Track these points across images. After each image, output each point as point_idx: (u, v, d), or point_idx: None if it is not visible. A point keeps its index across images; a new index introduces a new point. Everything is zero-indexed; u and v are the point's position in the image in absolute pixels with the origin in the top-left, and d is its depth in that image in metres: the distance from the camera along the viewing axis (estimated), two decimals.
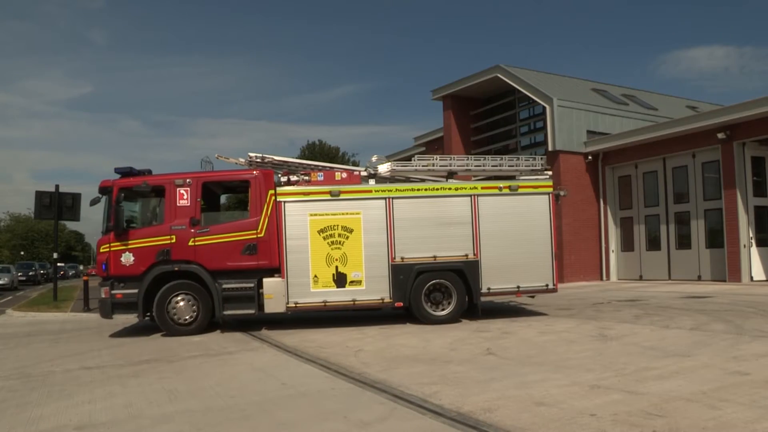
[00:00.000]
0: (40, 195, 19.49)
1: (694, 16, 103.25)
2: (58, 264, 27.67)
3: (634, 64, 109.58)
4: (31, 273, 46.64)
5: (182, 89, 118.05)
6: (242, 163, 12.89)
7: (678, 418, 5.07)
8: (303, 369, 8.12)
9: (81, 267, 77.79)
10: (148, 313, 11.75)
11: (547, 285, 12.49)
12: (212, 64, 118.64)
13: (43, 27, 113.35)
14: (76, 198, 19.88)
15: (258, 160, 12.78)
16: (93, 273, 25.66)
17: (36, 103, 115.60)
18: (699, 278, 22.31)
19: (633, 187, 25.11)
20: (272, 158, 12.91)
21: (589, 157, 25.43)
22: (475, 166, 13.08)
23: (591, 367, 7.35)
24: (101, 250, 11.72)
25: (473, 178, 13.73)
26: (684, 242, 23.19)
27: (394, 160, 13.20)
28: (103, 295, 11.65)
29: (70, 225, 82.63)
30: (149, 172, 12.36)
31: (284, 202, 11.85)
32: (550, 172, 13.22)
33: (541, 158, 13.32)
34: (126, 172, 11.95)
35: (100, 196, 11.87)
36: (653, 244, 24.35)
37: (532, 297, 13.13)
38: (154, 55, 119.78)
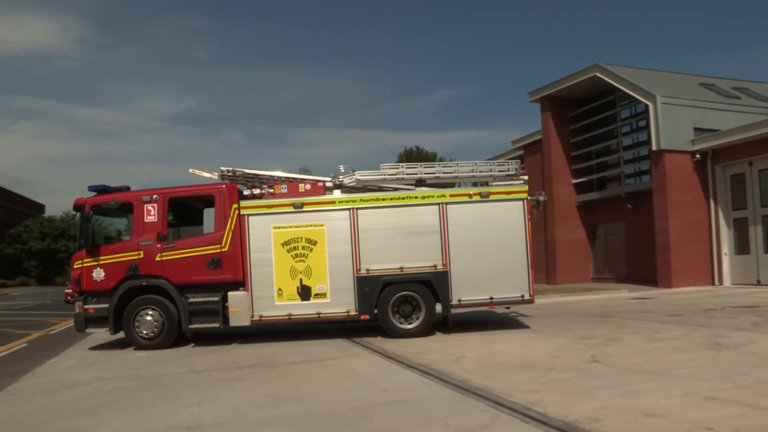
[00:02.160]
0: None
1: None
2: None
3: (747, 55, 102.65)
4: None
5: (280, 100, 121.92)
6: (215, 176, 12.84)
7: None
8: (404, 375, 8.19)
9: None
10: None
11: (522, 296, 11.82)
12: (309, 74, 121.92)
13: (151, 48, 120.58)
14: None
15: (229, 173, 12.72)
16: None
17: (146, 119, 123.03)
18: None
19: (747, 186, 23.55)
20: (243, 171, 12.80)
21: (697, 156, 24.10)
22: (445, 173, 12.59)
23: (705, 377, 7.00)
24: (75, 266, 12.04)
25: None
26: None
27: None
28: (76, 310, 11.95)
29: None
30: (127, 188, 12.60)
31: (248, 215, 11.85)
32: (525, 177, 12.58)
33: (515, 162, 12.68)
34: (100, 190, 12.22)
35: (74, 213, 11.97)
36: None
37: (508, 308, 12.49)
38: (253, 68, 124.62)
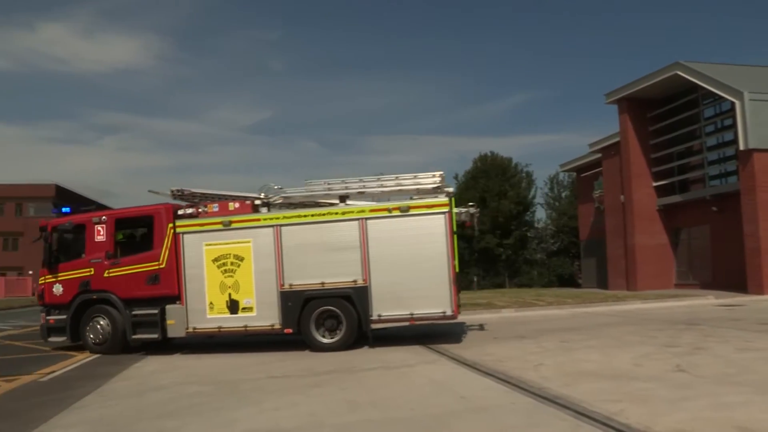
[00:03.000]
0: None
1: None
2: None
3: None
4: None
5: (355, 108, 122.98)
6: (169, 195, 13.44)
7: None
8: (482, 382, 8.08)
9: None
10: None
11: (444, 312, 11.41)
12: (383, 82, 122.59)
13: (226, 61, 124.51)
14: None
15: (179, 193, 13.30)
16: None
17: (223, 130, 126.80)
18: None
19: None
20: (191, 190, 13.36)
21: None
22: (370, 187, 12.41)
23: None
24: (40, 282, 13.45)
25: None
26: None
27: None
28: (41, 321, 13.30)
29: None
30: (96, 208, 13.66)
31: (183, 233, 12.44)
32: (449, 190, 12.30)
33: (440, 175, 12.30)
34: (63, 212, 13.47)
35: (39, 233, 13.33)
36: None
37: (433, 322, 12.12)
38: (328, 78, 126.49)
